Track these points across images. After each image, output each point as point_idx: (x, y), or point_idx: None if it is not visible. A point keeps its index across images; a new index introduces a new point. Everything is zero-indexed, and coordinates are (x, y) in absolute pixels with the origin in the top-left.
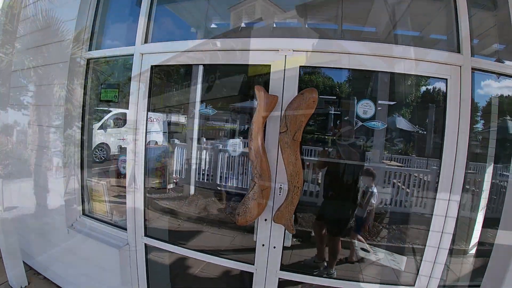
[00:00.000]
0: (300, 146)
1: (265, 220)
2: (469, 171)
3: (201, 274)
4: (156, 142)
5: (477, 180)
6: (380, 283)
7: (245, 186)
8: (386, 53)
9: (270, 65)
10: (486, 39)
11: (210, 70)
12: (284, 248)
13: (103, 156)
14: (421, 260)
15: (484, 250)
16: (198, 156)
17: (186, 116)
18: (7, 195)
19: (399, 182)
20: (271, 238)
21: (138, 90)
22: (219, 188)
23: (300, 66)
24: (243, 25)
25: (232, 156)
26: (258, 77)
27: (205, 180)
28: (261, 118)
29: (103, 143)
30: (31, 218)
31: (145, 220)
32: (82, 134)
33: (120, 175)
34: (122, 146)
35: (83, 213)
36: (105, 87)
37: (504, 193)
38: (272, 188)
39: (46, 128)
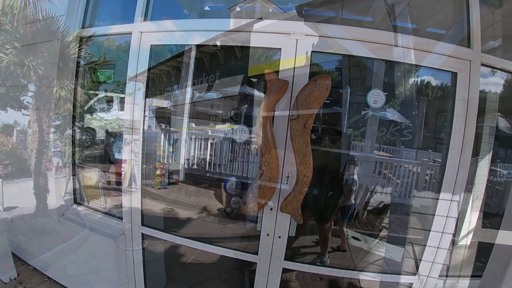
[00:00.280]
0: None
1: (271, 209)
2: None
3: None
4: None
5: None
6: (374, 272)
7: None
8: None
9: (280, 49)
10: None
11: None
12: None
13: (89, 141)
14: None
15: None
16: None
17: (191, 99)
18: None
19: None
20: (276, 228)
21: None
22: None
23: (312, 52)
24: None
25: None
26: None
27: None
28: (271, 104)
29: (88, 127)
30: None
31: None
32: (74, 119)
33: (111, 160)
34: (109, 131)
35: (75, 202)
36: (100, 68)
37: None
38: (279, 177)
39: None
